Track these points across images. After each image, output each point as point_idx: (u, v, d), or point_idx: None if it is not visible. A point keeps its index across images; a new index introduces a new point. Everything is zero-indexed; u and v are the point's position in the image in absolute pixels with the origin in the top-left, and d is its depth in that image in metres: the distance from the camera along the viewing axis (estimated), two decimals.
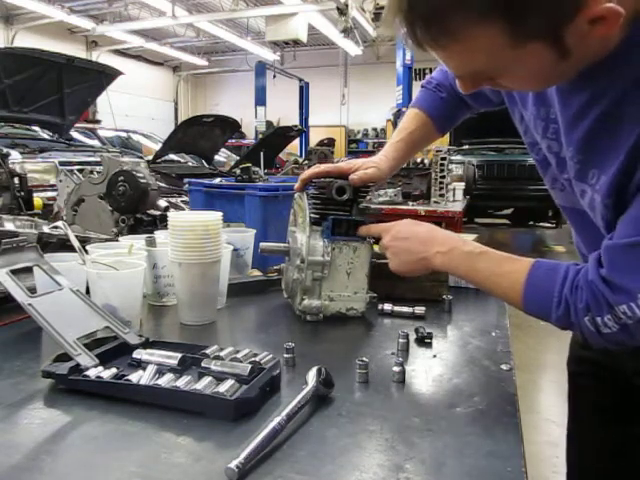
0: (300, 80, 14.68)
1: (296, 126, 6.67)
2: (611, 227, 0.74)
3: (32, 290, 0.95)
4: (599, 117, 0.73)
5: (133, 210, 2.26)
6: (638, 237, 0.68)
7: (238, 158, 6.56)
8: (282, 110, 14.98)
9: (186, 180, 2.09)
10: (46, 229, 1.41)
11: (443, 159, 4.04)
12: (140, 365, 0.86)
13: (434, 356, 0.99)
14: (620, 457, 1.09)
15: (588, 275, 0.75)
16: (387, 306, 1.21)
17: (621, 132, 0.70)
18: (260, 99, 12.75)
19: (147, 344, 0.93)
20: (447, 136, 8.04)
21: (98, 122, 10.20)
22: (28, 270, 1.01)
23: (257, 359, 0.86)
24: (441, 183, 4.07)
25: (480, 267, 0.87)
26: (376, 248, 1.24)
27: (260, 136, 9.81)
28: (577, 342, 1.19)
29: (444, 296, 1.26)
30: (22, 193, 2.84)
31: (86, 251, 1.13)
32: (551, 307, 0.77)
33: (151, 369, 0.83)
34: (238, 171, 2.09)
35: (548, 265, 0.81)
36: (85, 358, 0.83)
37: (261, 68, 12.96)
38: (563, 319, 0.77)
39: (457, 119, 1.24)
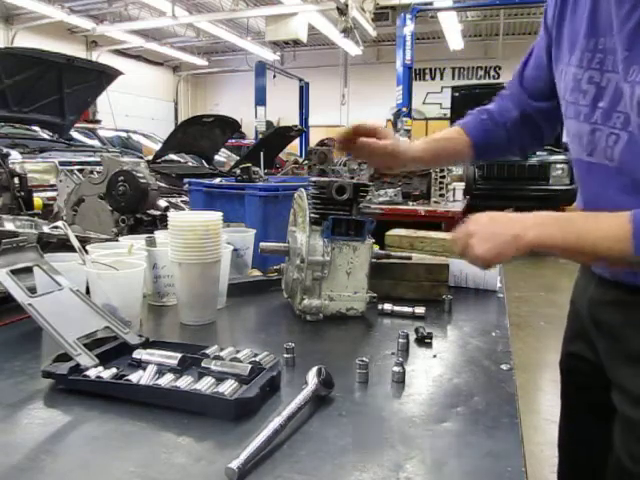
0: (300, 80, 14.68)
1: (296, 126, 6.65)
2: None
3: (32, 290, 0.95)
4: None
5: (133, 210, 2.26)
6: None
7: (238, 158, 6.54)
8: (282, 110, 14.98)
9: (186, 180, 2.08)
10: (46, 229, 1.41)
11: None
12: (140, 365, 0.86)
13: (434, 356, 0.99)
14: (611, 455, 1.09)
15: None
16: (387, 306, 1.21)
17: None
18: (260, 99, 12.74)
19: (147, 344, 0.93)
20: None
21: (98, 122, 10.18)
22: (28, 270, 1.00)
23: (257, 359, 0.86)
24: (441, 183, 4.07)
25: (578, 227, 0.84)
26: (376, 248, 1.24)
27: (260, 136, 9.82)
28: (567, 338, 1.19)
29: (444, 296, 1.26)
30: (22, 193, 2.83)
31: (86, 251, 1.13)
32: None
33: (151, 369, 0.83)
34: (238, 171, 2.08)
35: None
36: (85, 358, 0.83)
37: (261, 68, 12.96)
38: None
39: (492, 139, 1.24)
